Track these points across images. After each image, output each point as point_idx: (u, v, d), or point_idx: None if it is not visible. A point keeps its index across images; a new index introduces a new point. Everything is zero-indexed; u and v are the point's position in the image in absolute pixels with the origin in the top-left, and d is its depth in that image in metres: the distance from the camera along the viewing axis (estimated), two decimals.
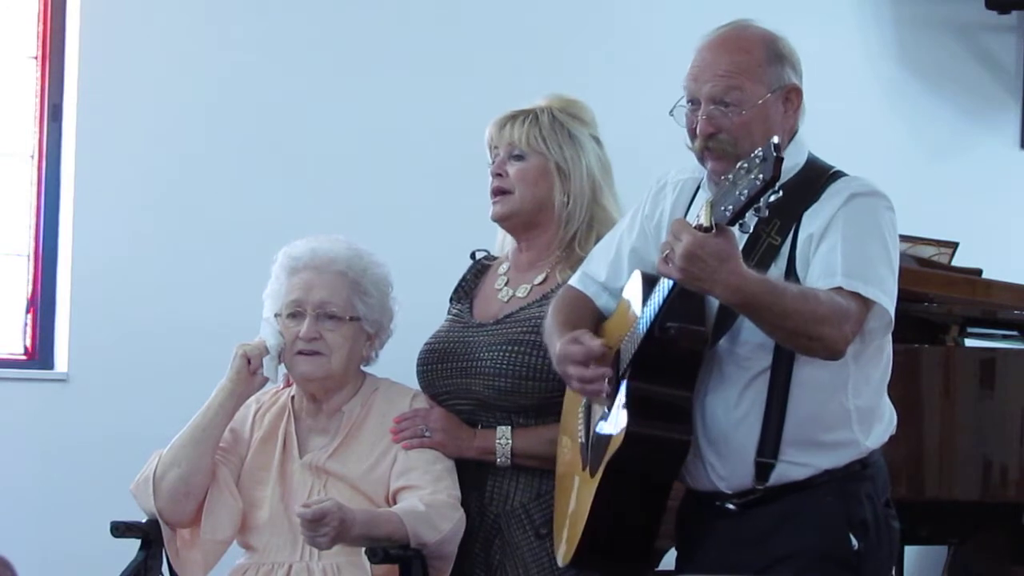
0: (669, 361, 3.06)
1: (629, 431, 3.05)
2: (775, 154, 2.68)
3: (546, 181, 3.67)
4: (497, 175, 3.69)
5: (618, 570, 3.26)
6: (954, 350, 4.80)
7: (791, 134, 3.15)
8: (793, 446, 3.05)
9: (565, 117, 3.71)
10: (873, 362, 3.12)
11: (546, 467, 3.57)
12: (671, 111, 3.16)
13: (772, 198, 2.72)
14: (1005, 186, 7.01)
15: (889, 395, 3.19)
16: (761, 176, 2.70)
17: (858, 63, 6.75)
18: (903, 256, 5.52)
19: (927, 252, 6.16)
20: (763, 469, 3.05)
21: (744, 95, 3.10)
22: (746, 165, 2.74)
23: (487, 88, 4.87)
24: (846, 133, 6.58)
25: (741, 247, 2.99)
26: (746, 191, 2.73)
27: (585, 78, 5.57)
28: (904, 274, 4.79)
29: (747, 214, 2.76)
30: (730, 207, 2.76)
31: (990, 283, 5.05)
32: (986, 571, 5.07)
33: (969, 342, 4.92)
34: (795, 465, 3.05)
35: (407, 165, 5.80)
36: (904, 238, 6.46)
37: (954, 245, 6.51)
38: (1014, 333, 5.07)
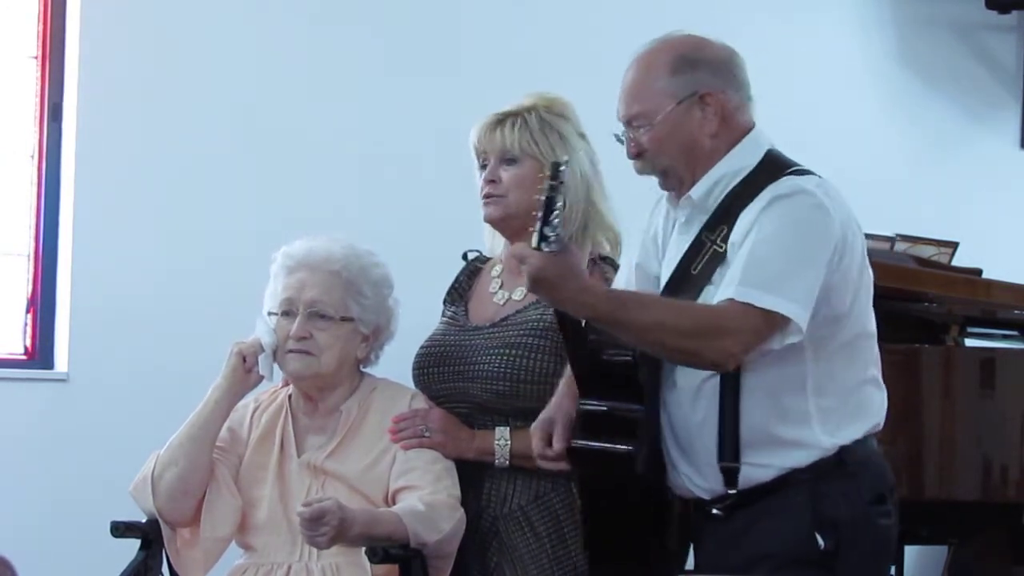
0: (609, 378, 3.09)
1: (569, 447, 3.15)
2: (552, 172, 2.83)
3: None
4: (490, 182, 3.67)
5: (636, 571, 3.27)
6: (954, 350, 4.80)
7: (725, 138, 3.12)
8: (753, 448, 3.03)
9: (552, 117, 3.68)
10: (841, 360, 3.07)
11: None
12: (618, 137, 3.19)
13: (558, 214, 2.86)
14: (1005, 186, 7.02)
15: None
16: (543, 196, 2.85)
17: (858, 63, 6.75)
18: (903, 256, 5.54)
19: (927, 252, 6.15)
20: (729, 473, 3.05)
21: (647, 112, 3.11)
22: (544, 185, 2.87)
23: (487, 88, 4.86)
24: (846, 133, 6.59)
25: (683, 254, 3.07)
26: (539, 212, 2.86)
27: (577, 78, 5.57)
28: (904, 274, 4.84)
29: (549, 231, 2.86)
30: (533, 228, 2.88)
31: (990, 283, 5.05)
32: (986, 571, 5.07)
33: (969, 342, 4.92)
34: (758, 467, 3.04)
35: (407, 166, 5.80)
36: (904, 238, 6.49)
37: (954, 245, 6.51)
38: (1014, 333, 5.07)
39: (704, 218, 3.11)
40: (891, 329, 4.59)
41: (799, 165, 3.14)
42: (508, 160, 3.65)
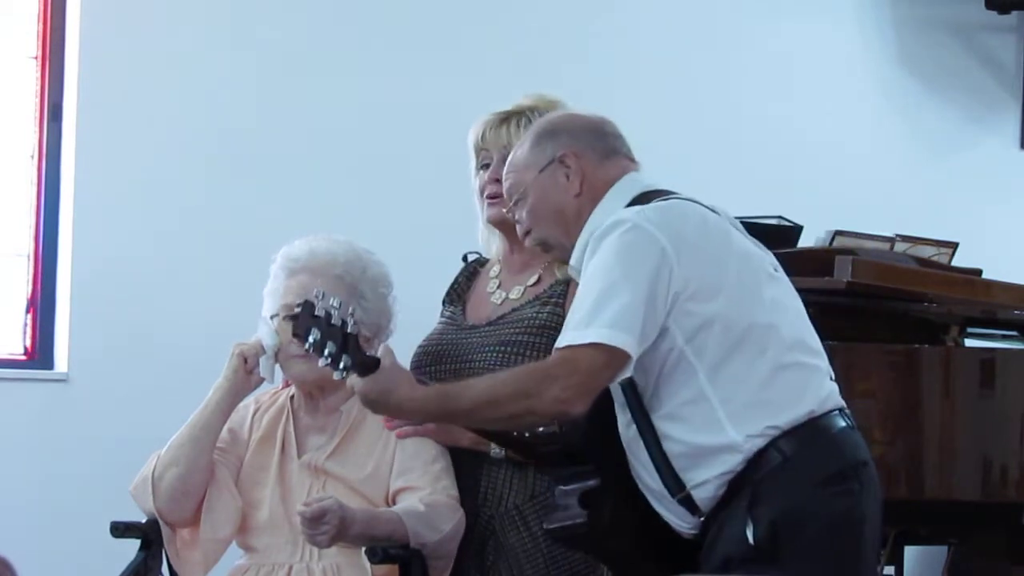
0: (564, 459, 3.14)
1: (545, 530, 3.26)
2: (303, 308, 2.97)
3: None
4: (496, 180, 3.67)
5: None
6: (954, 350, 4.80)
7: (590, 195, 3.13)
8: (689, 471, 3.02)
9: None
10: (742, 358, 3.01)
11: None
12: (511, 217, 3.26)
13: (312, 348, 2.96)
14: (1005, 186, 7.03)
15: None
16: (295, 335, 3.05)
17: (858, 63, 6.75)
18: (903, 256, 5.54)
19: (927, 252, 6.16)
20: (687, 503, 3.05)
21: (517, 184, 3.20)
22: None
23: (485, 89, 4.86)
24: (846, 133, 6.59)
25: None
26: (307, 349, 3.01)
27: (579, 79, 5.58)
28: (904, 274, 4.83)
29: (327, 361, 2.94)
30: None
31: (990, 283, 5.04)
32: (986, 571, 5.07)
33: (969, 342, 4.92)
34: (701, 485, 3.02)
35: (405, 166, 5.81)
36: (904, 238, 6.50)
37: (954, 245, 6.53)
38: (1014, 333, 5.07)
39: None
40: (891, 329, 4.60)
41: (670, 194, 3.11)
42: None
